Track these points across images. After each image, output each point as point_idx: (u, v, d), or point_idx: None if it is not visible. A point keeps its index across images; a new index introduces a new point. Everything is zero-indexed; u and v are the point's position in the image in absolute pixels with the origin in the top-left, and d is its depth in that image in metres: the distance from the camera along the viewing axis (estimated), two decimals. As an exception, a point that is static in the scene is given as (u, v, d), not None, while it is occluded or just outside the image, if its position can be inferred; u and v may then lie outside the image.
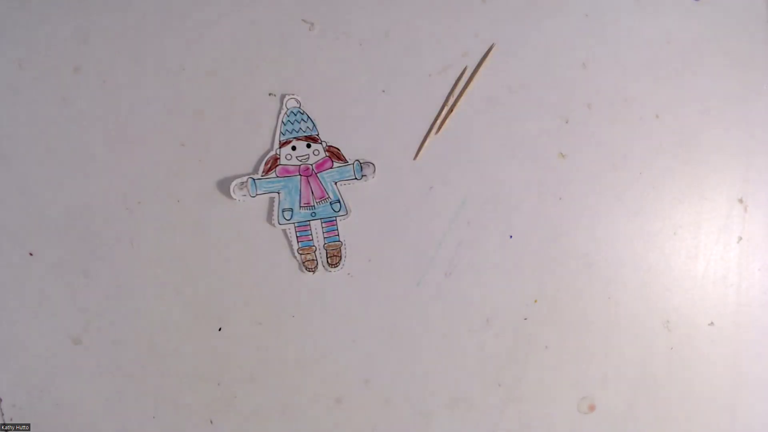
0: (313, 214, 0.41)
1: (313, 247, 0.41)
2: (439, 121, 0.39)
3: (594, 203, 0.42)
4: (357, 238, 0.41)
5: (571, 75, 0.42)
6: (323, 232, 0.41)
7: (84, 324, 0.40)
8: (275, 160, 0.41)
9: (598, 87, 0.42)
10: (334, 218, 0.41)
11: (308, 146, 0.41)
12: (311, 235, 0.41)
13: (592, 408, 0.42)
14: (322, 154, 0.41)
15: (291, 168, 0.41)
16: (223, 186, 0.41)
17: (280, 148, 0.41)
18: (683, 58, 0.43)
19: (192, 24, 0.41)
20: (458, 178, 0.42)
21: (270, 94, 0.41)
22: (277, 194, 0.41)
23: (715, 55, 0.43)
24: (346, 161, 0.41)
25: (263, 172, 0.41)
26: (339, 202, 0.41)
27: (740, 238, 0.43)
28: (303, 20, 0.41)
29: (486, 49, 0.40)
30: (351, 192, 0.41)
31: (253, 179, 0.41)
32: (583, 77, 0.42)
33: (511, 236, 0.42)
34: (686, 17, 0.43)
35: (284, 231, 0.41)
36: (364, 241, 0.41)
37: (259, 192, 0.41)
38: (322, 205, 0.41)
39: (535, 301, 0.42)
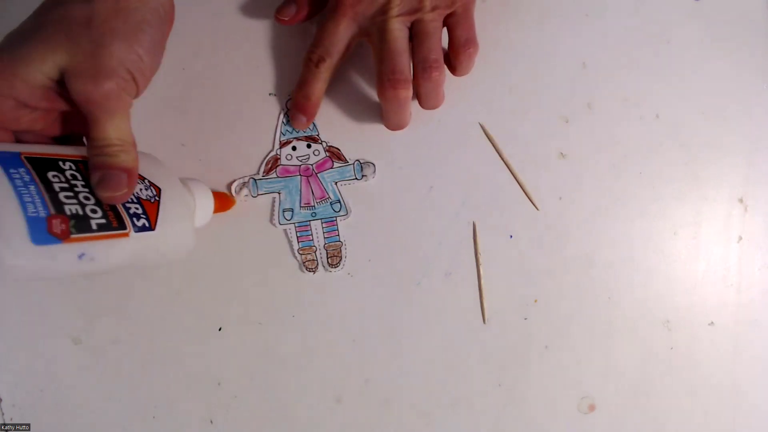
0: (314, 215, 0.41)
1: (314, 247, 0.41)
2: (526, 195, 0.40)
3: (594, 203, 0.42)
4: (357, 238, 0.41)
5: (571, 75, 0.42)
6: (323, 232, 0.41)
7: (84, 324, 0.40)
8: (276, 160, 0.41)
9: (598, 87, 0.42)
10: (334, 218, 0.41)
11: (308, 146, 0.41)
12: (311, 235, 0.41)
13: (592, 408, 0.42)
14: (323, 154, 0.41)
15: (291, 168, 0.41)
16: (223, 186, 0.41)
17: (280, 148, 0.41)
18: (683, 58, 0.43)
19: (192, 24, 0.41)
20: (458, 178, 0.42)
21: (270, 94, 0.41)
22: (277, 194, 0.41)
23: (715, 55, 0.43)
24: (346, 161, 0.41)
25: (264, 172, 0.41)
26: (339, 202, 0.41)
27: (740, 238, 0.43)
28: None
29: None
30: (351, 192, 0.41)
31: (254, 179, 0.41)
32: (583, 77, 0.42)
33: (511, 236, 0.42)
34: (686, 17, 0.43)
35: (284, 231, 0.41)
36: (364, 241, 0.41)
37: (260, 192, 0.41)
38: (322, 205, 0.41)
39: (535, 301, 0.42)
